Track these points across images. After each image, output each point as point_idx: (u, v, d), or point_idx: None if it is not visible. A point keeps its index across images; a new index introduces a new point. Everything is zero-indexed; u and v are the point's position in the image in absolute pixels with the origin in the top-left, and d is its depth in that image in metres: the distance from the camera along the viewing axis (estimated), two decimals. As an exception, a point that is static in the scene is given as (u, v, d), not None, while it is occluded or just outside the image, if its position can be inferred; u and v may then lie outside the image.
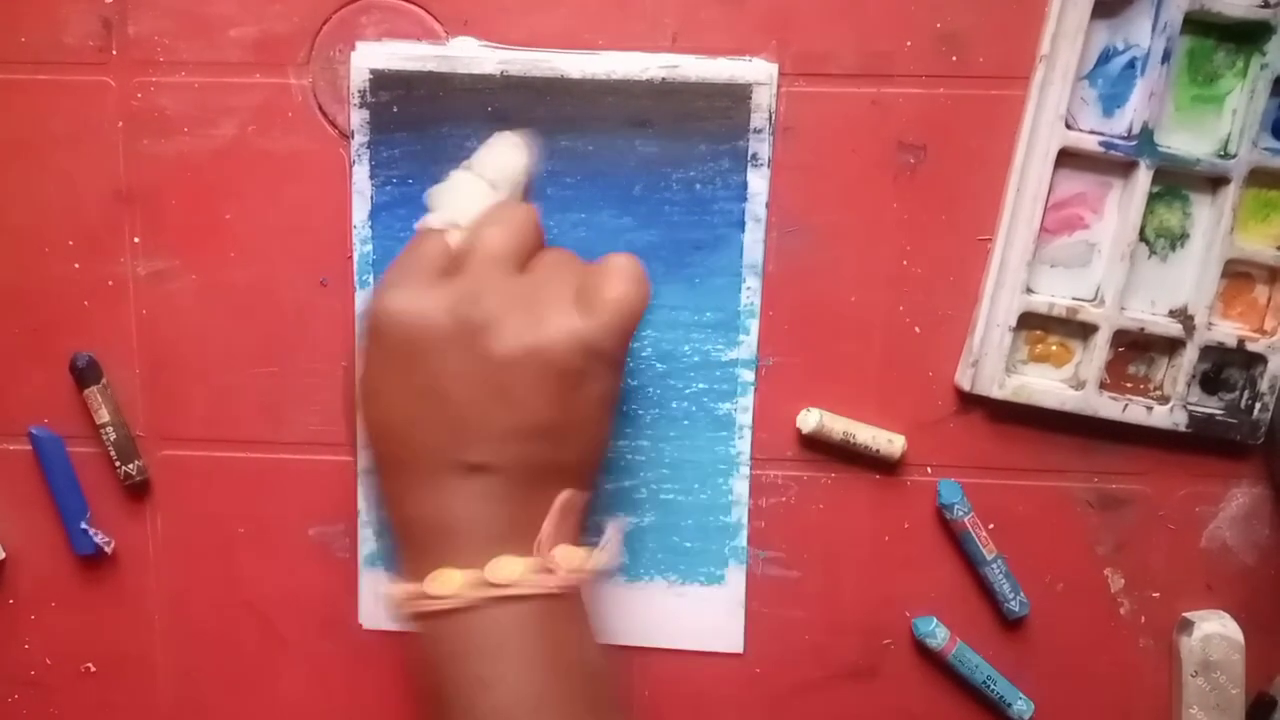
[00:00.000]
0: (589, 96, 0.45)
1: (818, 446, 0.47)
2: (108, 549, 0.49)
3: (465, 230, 0.39)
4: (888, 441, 0.46)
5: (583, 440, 0.38)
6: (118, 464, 0.48)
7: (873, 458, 0.46)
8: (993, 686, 0.47)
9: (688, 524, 0.48)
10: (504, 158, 0.42)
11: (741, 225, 0.45)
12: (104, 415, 0.47)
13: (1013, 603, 0.46)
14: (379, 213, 0.46)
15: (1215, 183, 0.44)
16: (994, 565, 0.46)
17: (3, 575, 0.50)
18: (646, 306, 0.37)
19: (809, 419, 0.46)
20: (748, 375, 0.46)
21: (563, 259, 0.39)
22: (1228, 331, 0.45)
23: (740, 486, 0.47)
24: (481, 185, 0.40)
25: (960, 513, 0.46)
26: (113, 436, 0.48)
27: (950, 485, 0.46)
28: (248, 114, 0.46)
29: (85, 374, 0.47)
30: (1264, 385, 0.44)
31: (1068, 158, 0.44)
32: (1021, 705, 0.47)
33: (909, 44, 0.44)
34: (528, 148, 0.42)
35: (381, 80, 0.45)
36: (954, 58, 0.44)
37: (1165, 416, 0.45)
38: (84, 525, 0.48)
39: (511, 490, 0.37)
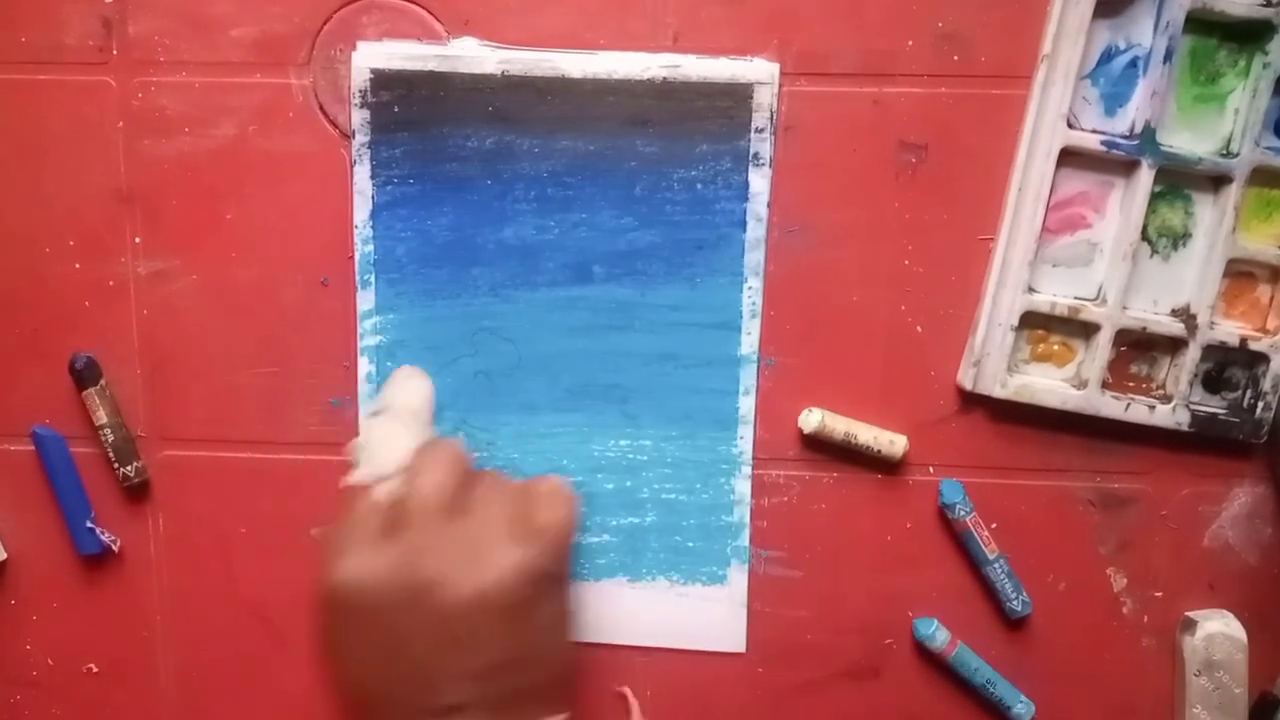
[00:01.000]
0: (590, 96, 0.45)
1: (819, 446, 0.47)
2: (115, 547, 0.49)
3: (394, 478, 0.39)
4: (889, 442, 0.46)
5: (547, 662, 0.39)
6: (116, 466, 0.48)
7: (874, 458, 0.46)
8: (993, 689, 0.46)
9: (689, 524, 0.47)
10: (409, 393, 0.43)
11: (743, 225, 0.45)
12: (102, 417, 0.47)
13: (1015, 602, 0.46)
14: (380, 212, 0.46)
15: (1217, 182, 0.44)
16: (996, 565, 0.46)
17: (4, 576, 0.50)
18: (579, 522, 0.40)
19: (810, 419, 0.46)
20: (749, 375, 0.46)
21: (494, 490, 0.39)
22: (1230, 331, 0.44)
23: (742, 486, 0.47)
24: (396, 428, 0.41)
25: (962, 512, 0.46)
26: (111, 438, 0.48)
27: (952, 485, 0.46)
28: (248, 114, 0.46)
29: (84, 375, 0.47)
30: (1266, 384, 0.44)
31: (1070, 157, 0.43)
32: (1021, 708, 0.47)
33: (910, 43, 0.44)
34: (426, 375, 0.43)
35: (382, 80, 0.45)
36: (955, 57, 0.44)
37: (1168, 416, 0.45)
38: (89, 524, 0.48)
39: None
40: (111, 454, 0.48)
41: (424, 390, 0.43)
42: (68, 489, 0.48)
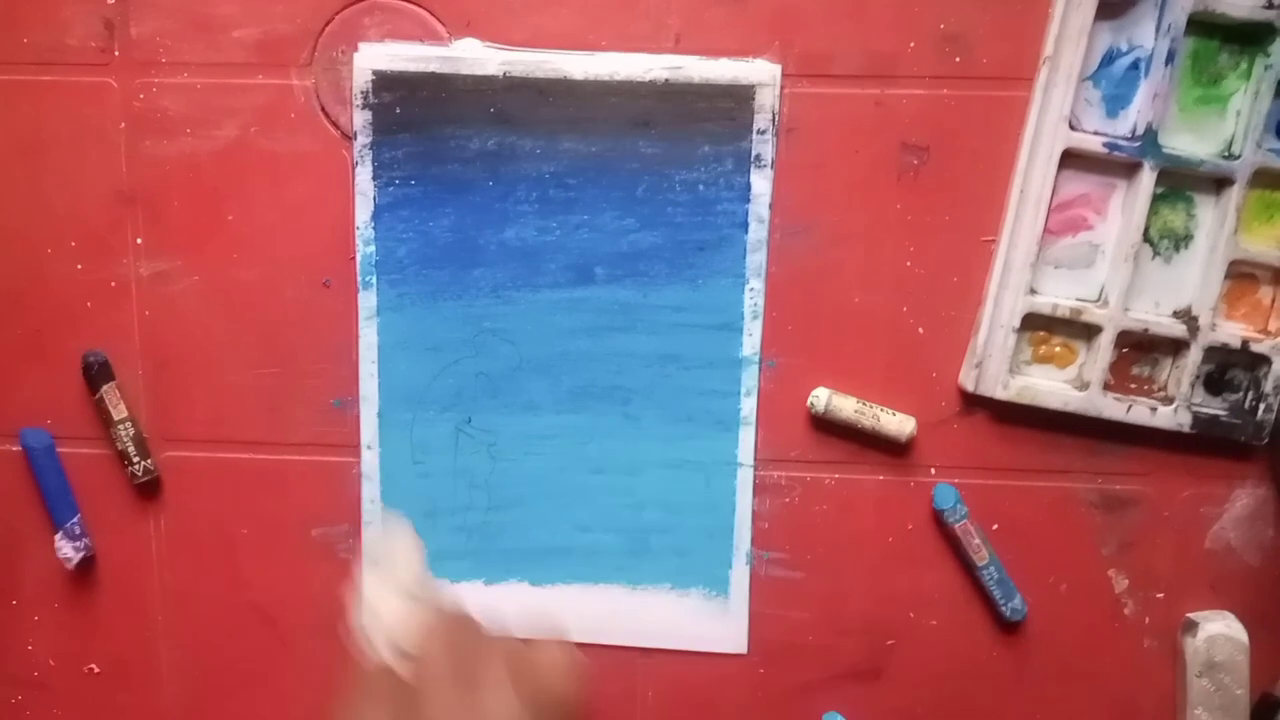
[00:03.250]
0: (592, 97, 0.45)
1: (823, 442, 0.47)
2: (71, 563, 0.48)
3: (404, 653, 0.38)
4: (899, 421, 0.45)
5: None
6: (135, 460, 0.47)
7: (883, 439, 0.46)
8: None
9: (691, 525, 0.47)
10: (404, 559, 0.40)
11: (745, 226, 0.45)
12: (122, 411, 0.47)
13: (1006, 608, 0.46)
14: (382, 214, 0.46)
15: (1219, 184, 0.44)
16: (985, 570, 0.46)
17: (6, 576, 0.50)
18: (584, 689, 0.39)
19: (819, 398, 0.45)
20: (751, 376, 0.46)
21: (502, 661, 0.38)
22: (1232, 332, 0.44)
23: (744, 487, 0.47)
24: (397, 598, 0.40)
25: (955, 517, 0.46)
26: (131, 432, 0.47)
27: (945, 489, 0.46)
28: (250, 115, 0.46)
29: (99, 374, 0.47)
30: (1268, 386, 0.44)
31: (1071, 159, 0.43)
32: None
33: (912, 45, 0.44)
34: (414, 536, 0.41)
35: (384, 81, 0.45)
36: (957, 59, 0.44)
37: (1169, 417, 0.45)
38: (60, 535, 0.48)
39: None
40: (131, 448, 0.47)
41: (416, 556, 0.42)
42: (54, 492, 0.48)
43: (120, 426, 0.47)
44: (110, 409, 0.47)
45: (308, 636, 0.49)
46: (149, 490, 0.49)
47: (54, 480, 0.48)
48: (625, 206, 0.46)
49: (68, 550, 0.48)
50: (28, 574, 0.50)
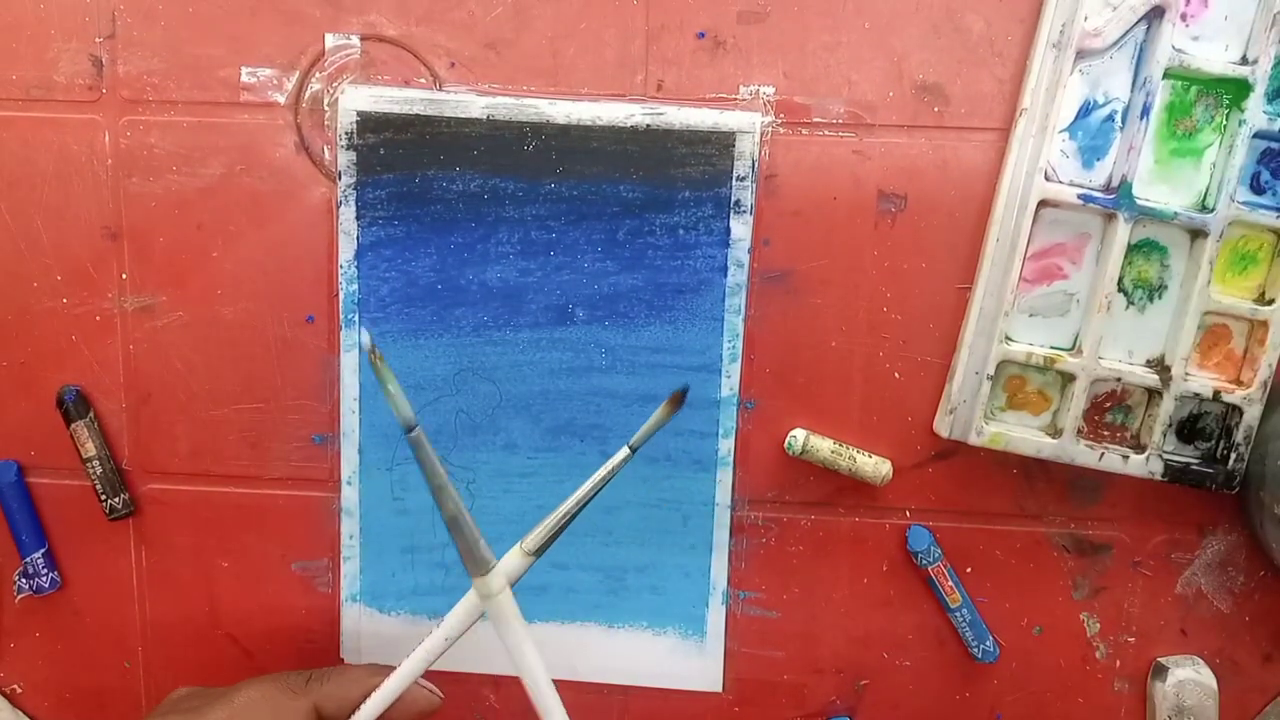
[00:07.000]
0: (574, 142, 0.45)
1: (799, 484, 0.47)
2: (23, 590, 0.49)
3: None
4: (875, 463, 0.46)
5: None
6: (103, 497, 0.48)
7: (859, 483, 0.46)
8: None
9: (669, 564, 0.48)
10: None
11: (724, 270, 0.46)
12: (90, 449, 0.48)
13: (977, 650, 0.47)
14: (365, 253, 0.47)
15: (1193, 235, 0.44)
16: (958, 613, 0.46)
17: (-13, 605, 0.51)
18: None
19: (796, 439, 0.46)
20: (729, 417, 0.47)
21: None
22: (1204, 382, 0.45)
23: (721, 527, 0.48)
24: None
25: (930, 559, 0.46)
26: (98, 470, 0.48)
27: (920, 531, 0.46)
28: (235, 153, 0.46)
29: (72, 408, 0.48)
30: (1239, 436, 0.45)
31: (1047, 209, 0.44)
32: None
33: (891, 94, 0.44)
34: None
35: (368, 122, 0.45)
36: (936, 109, 0.44)
37: (1141, 465, 0.45)
38: (20, 570, 0.49)
39: None
40: (99, 486, 0.48)
41: None
42: (19, 524, 0.49)
43: (89, 464, 0.48)
44: (79, 446, 0.48)
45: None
46: (128, 523, 0.49)
47: (20, 512, 0.49)
48: (606, 249, 0.46)
49: (22, 584, 0.49)
50: (4, 601, 0.50)
